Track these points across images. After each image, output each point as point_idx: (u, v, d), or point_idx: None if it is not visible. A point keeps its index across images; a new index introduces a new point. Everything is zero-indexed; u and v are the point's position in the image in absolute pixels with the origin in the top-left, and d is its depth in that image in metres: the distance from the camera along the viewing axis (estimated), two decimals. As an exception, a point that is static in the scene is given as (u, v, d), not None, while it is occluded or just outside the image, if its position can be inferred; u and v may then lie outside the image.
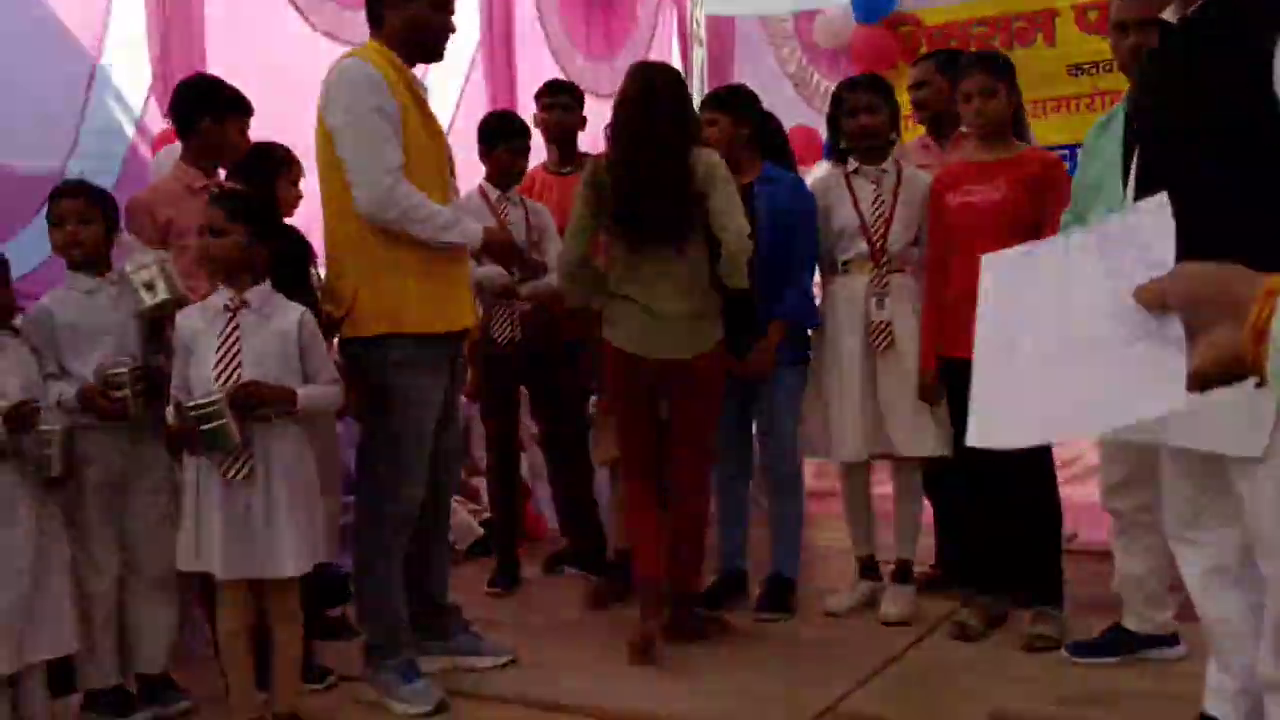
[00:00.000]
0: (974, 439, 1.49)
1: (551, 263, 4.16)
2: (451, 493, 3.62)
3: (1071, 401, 1.36)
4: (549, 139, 4.71)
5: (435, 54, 3.28)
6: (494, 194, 4.37)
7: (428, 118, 3.24)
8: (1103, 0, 6.05)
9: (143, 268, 3.10)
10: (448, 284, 3.19)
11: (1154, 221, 1.40)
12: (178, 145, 4.02)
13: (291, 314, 3.01)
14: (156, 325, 3.21)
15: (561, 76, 5.76)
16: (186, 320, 3.01)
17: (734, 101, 3.95)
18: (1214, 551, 2.43)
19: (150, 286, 3.09)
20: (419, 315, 3.14)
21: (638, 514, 3.71)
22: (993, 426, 1.50)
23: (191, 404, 2.83)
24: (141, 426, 3.17)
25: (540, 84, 4.86)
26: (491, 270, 4.09)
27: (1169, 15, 2.29)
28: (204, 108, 3.51)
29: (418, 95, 3.21)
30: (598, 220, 3.54)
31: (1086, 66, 6.20)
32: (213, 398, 2.83)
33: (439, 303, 3.17)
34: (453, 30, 3.27)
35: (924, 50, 6.26)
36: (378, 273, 3.14)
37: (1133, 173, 2.35)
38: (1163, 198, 1.40)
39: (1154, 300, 1.27)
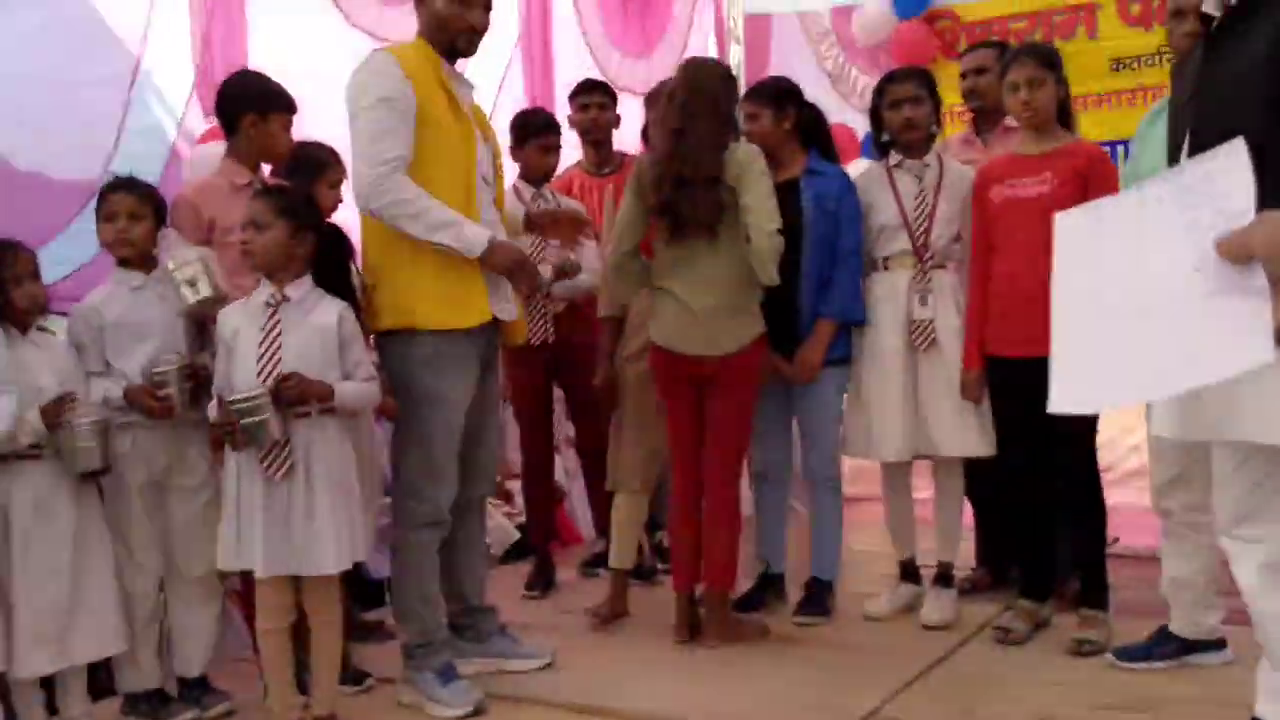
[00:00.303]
0: (1056, 404, 1.44)
1: (586, 263, 4.15)
2: (488, 495, 3.59)
3: (1154, 361, 1.31)
4: (585, 139, 4.69)
5: (461, 51, 3.24)
6: (528, 192, 4.36)
7: (459, 115, 3.20)
8: (1147, -8, 5.99)
9: (185, 264, 3.11)
10: (463, 280, 3.16)
11: (1232, 168, 1.35)
12: (212, 145, 4.04)
13: (332, 309, 3.02)
14: (202, 323, 3.22)
15: (598, 75, 5.75)
16: (228, 317, 3.02)
17: (776, 94, 3.91)
18: (1268, 548, 2.37)
19: (193, 284, 3.10)
20: (433, 312, 3.14)
21: (678, 519, 3.71)
22: (1075, 390, 1.45)
23: (234, 398, 2.84)
24: (185, 425, 3.18)
25: (578, 80, 4.84)
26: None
27: (1211, 7, 2.26)
28: (248, 104, 3.51)
29: (450, 92, 3.18)
30: (644, 214, 3.56)
31: (1129, 61, 6.11)
32: (255, 391, 2.84)
33: (453, 300, 3.15)
34: (480, 28, 3.24)
35: (964, 45, 6.21)
36: (394, 268, 3.17)
37: (1183, 153, 2.30)
38: (1239, 143, 1.35)
39: (1239, 250, 1.22)
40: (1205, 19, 2.28)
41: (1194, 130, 2.26)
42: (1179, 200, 1.38)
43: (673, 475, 3.74)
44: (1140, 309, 1.34)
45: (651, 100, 3.75)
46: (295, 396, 2.89)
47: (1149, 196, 1.41)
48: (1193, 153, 2.27)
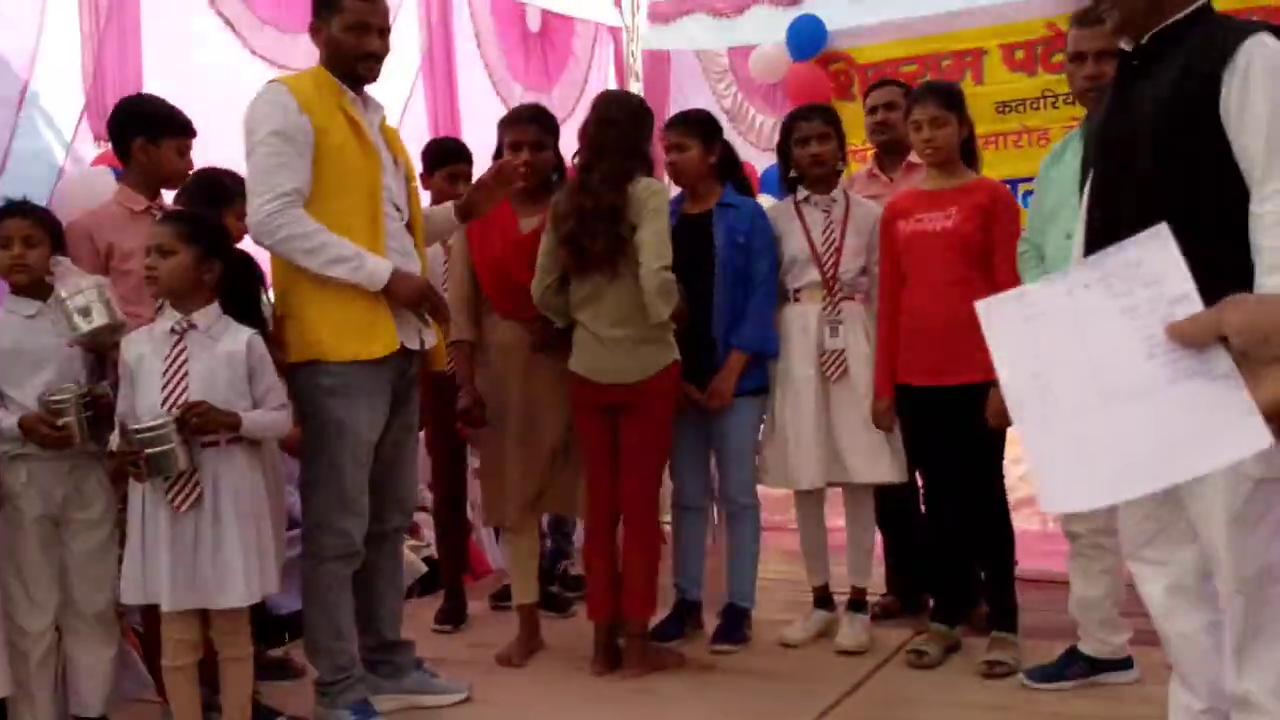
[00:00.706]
0: (1047, 505, 1.44)
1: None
2: (404, 527, 3.52)
3: (1142, 452, 1.32)
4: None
5: (362, 77, 3.18)
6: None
7: (363, 142, 3.13)
8: (1030, 40, 6.24)
9: (78, 293, 3.00)
10: (369, 309, 3.10)
11: (1158, 253, 1.38)
12: (91, 169, 3.93)
13: (240, 336, 2.95)
14: (101, 352, 3.10)
15: (501, 107, 5.74)
16: (132, 344, 2.92)
17: (706, 127, 3.95)
18: (1173, 571, 2.45)
19: (85, 312, 2.99)
20: (339, 343, 3.08)
21: (593, 549, 3.69)
22: (1062, 490, 1.44)
23: (139, 427, 2.74)
24: (84, 456, 3.06)
25: (480, 114, 4.82)
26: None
27: (1124, 44, 2.37)
28: (139, 129, 3.41)
29: (353, 119, 3.12)
30: (558, 246, 3.55)
31: (1014, 104, 6.32)
32: (160, 420, 2.75)
33: (360, 330, 3.09)
34: (379, 53, 3.17)
35: (857, 87, 6.38)
36: (301, 299, 3.11)
37: (1085, 194, 2.39)
38: (1162, 228, 1.39)
39: (1201, 335, 1.24)
40: (1121, 55, 2.39)
41: (1098, 165, 2.36)
42: (1107, 287, 1.40)
43: (588, 505, 3.72)
44: (1101, 397, 1.36)
45: (580, 133, 3.75)
46: (201, 425, 2.80)
47: (1075, 283, 1.43)
48: (1096, 185, 2.37)
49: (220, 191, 3.51)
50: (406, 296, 3.11)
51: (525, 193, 3.69)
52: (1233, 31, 2.21)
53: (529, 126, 3.81)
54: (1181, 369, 1.30)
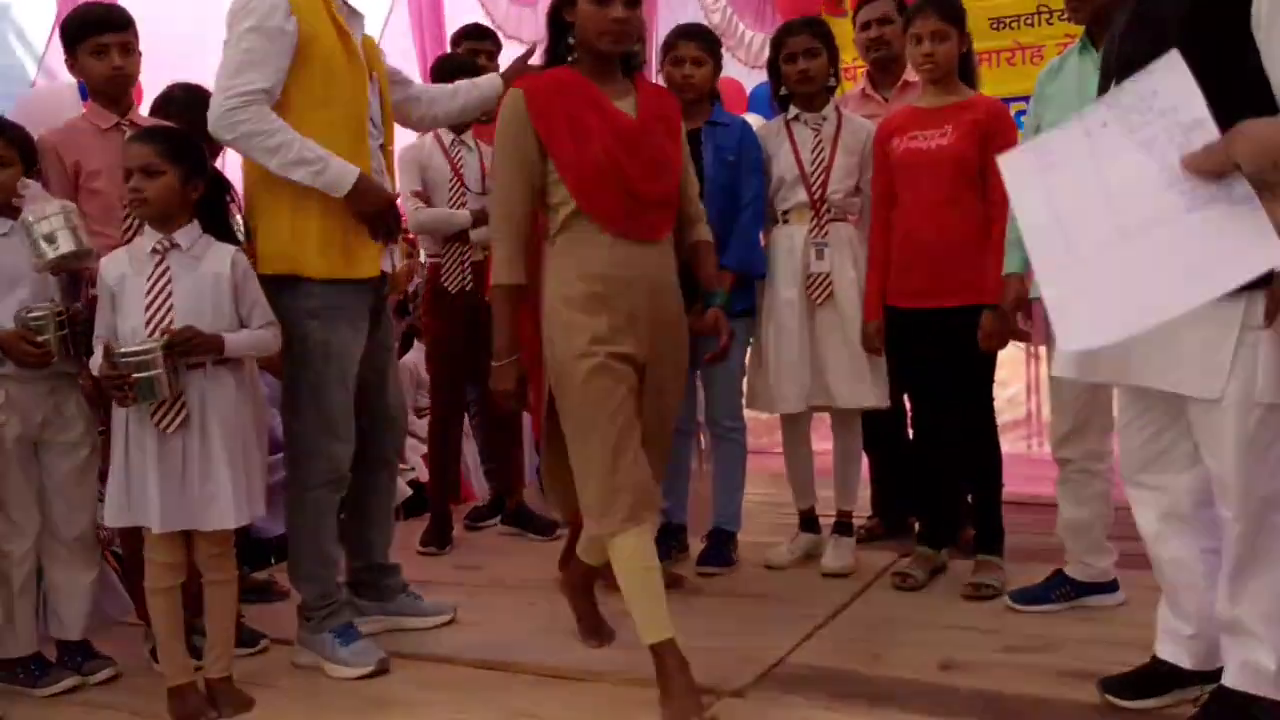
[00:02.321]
0: (1066, 343, 1.42)
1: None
2: (397, 452, 3.48)
3: (1158, 281, 1.30)
4: None
5: None
6: (447, 138, 4.26)
7: (351, 54, 3.03)
8: (1028, -45, 6.11)
9: (44, 218, 2.90)
10: (350, 231, 3.01)
11: (1172, 81, 1.34)
12: (57, 84, 3.82)
13: (224, 254, 2.88)
14: (74, 273, 3.03)
15: (485, 20, 5.62)
16: (112, 264, 2.85)
17: (716, 43, 3.89)
18: (1169, 497, 2.46)
19: (51, 239, 2.90)
20: (320, 260, 2.99)
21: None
22: (1082, 327, 1.42)
23: (124, 351, 2.69)
24: (62, 377, 3.02)
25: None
26: (453, 214, 3.98)
27: None
28: (69, 42, 3.26)
29: (341, 28, 3.02)
30: None
31: (1008, 20, 6.23)
32: (148, 345, 2.69)
33: (343, 248, 3.01)
34: None
35: (847, 2, 6.24)
36: (276, 210, 3.00)
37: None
38: (1173, 54, 1.34)
39: (1216, 164, 1.21)
40: None
41: (1120, 75, 2.29)
42: (1124, 121, 1.37)
43: None
44: (1120, 233, 1.33)
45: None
46: (187, 350, 2.75)
47: (1092, 124, 1.39)
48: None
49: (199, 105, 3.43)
50: (369, 205, 2.97)
51: (604, 74, 2.80)
52: None
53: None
54: (1200, 197, 1.28)
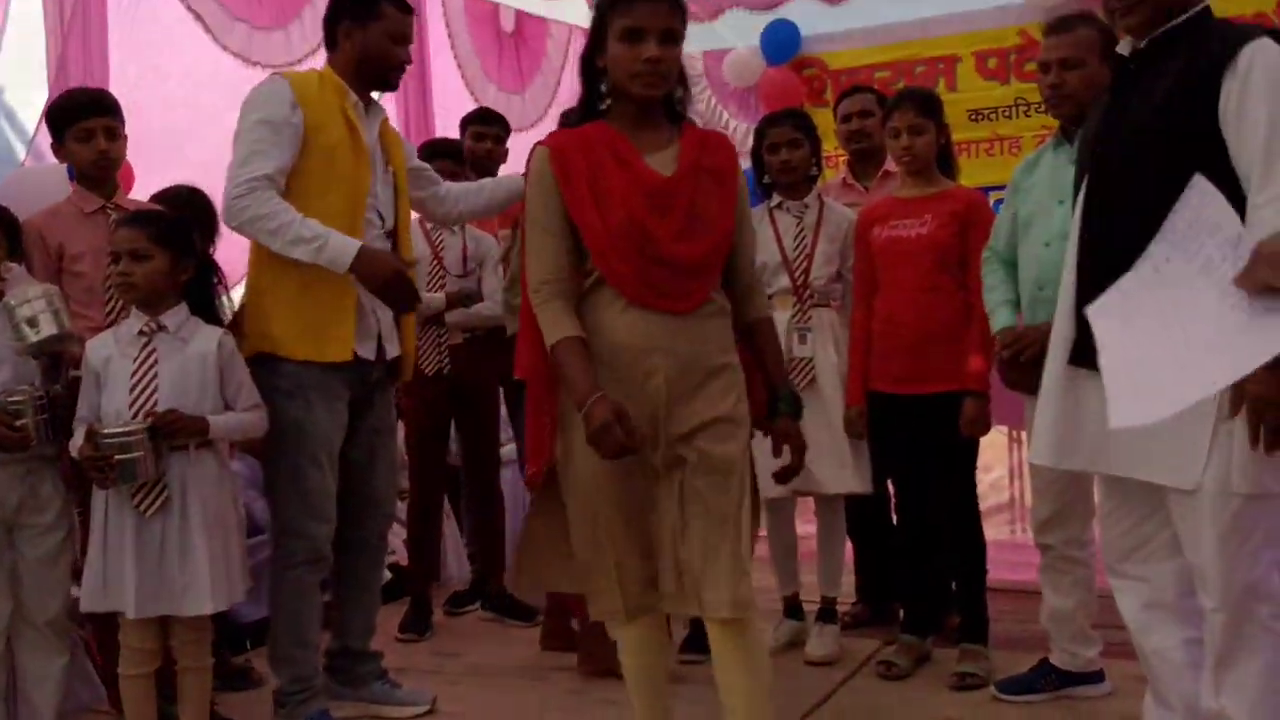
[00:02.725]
0: (1118, 420, 1.46)
1: (487, 290, 4.07)
2: (380, 536, 3.44)
3: (1205, 360, 1.36)
4: (475, 170, 4.61)
5: (386, 84, 3.21)
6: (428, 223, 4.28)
7: (358, 149, 3.09)
8: (1002, 48, 6.26)
9: (26, 301, 2.91)
10: (326, 310, 3.04)
11: (1207, 203, 1.41)
12: (46, 166, 3.85)
13: (211, 336, 2.91)
14: (55, 355, 3.03)
15: (473, 105, 5.70)
16: (98, 347, 2.86)
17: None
18: (1152, 586, 2.44)
19: (33, 323, 2.90)
20: (292, 341, 3.04)
21: None
22: (1133, 403, 1.48)
23: (107, 432, 2.68)
24: (39, 459, 2.99)
25: (454, 113, 4.78)
26: (430, 297, 4.00)
27: (1122, 49, 2.35)
28: (50, 127, 3.32)
29: (351, 123, 3.08)
30: None
31: (986, 112, 6.35)
32: (132, 427, 2.70)
33: (314, 330, 3.04)
34: (408, 62, 3.20)
35: (830, 92, 6.37)
36: (260, 291, 3.08)
37: (1080, 200, 2.38)
38: (1198, 178, 1.38)
39: (1253, 285, 1.28)
40: (1117, 59, 2.37)
41: (1095, 169, 2.34)
42: (1183, 251, 1.45)
43: None
44: (1182, 338, 1.41)
45: None
46: (172, 433, 2.75)
47: (1158, 259, 1.48)
48: (1092, 190, 2.35)
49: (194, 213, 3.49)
50: (378, 276, 2.95)
51: (642, 123, 2.50)
52: (1232, 35, 2.20)
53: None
54: (1254, 310, 1.35)
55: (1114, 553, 2.49)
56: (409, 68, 3.30)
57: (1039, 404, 2.47)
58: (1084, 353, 2.30)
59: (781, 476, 2.62)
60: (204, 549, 2.77)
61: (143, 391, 2.78)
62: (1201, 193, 1.43)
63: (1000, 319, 3.23)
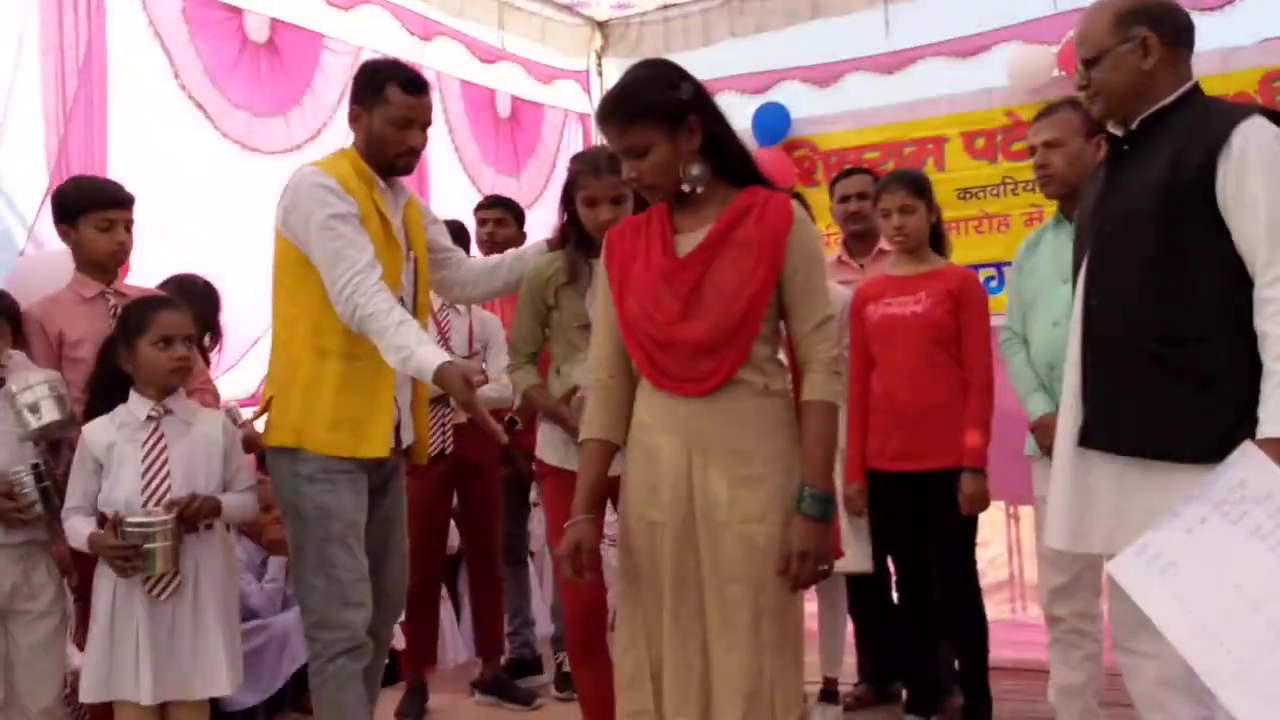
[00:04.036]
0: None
1: (493, 371, 4.07)
2: (387, 625, 3.36)
3: None
4: (484, 252, 4.65)
5: (396, 170, 3.08)
6: (436, 301, 4.29)
7: (389, 239, 3.03)
8: (990, 128, 6.34)
9: (28, 388, 2.94)
10: (362, 408, 2.98)
11: (1255, 470, 1.40)
12: (52, 253, 3.88)
13: (214, 419, 2.95)
14: (55, 441, 3.04)
15: (470, 189, 5.77)
16: (98, 433, 2.86)
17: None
18: (1163, 662, 2.42)
19: (35, 409, 2.93)
20: (322, 436, 2.94)
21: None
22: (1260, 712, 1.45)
23: (134, 521, 2.70)
24: (34, 544, 2.98)
25: (451, 195, 4.85)
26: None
27: (1114, 128, 2.41)
28: (58, 214, 3.34)
29: (382, 213, 3.02)
30: None
31: (975, 190, 6.41)
32: (160, 517, 2.71)
33: (350, 427, 2.96)
34: (419, 147, 3.07)
35: (821, 173, 6.45)
36: (292, 383, 2.99)
37: (1081, 279, 2.40)
38: (1248, 445, 1.38)
39: None
40: (1111, 139, 2.42)
41: (1094, 246, 2.38)
42: (1221, 514, 1.44)
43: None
44: (1275, 631, 1.39)
45: None
46: (195, 517, 2.79)
47: (1190, 520, 1.47)
48: (1092, 267, 2.38)
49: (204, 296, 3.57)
50: (455, 390, 2.83)
51: (689, 200, 2.43)
52: (1225, 114, 2.25)
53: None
54: None
55: (1125, 627, 2.49)
56: None
57: (1051, 487, 2.47)
58: (1092, 435, 2.34)
59: (798, 583, 2.30)
60: (219, 629, 2.78)
61: (155, 476, 2.80)
62: (1248, 458, 1.43)
63: (1035, 407, 3.19)
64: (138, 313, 2.95)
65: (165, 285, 3.58)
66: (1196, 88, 2.34)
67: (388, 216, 3.03)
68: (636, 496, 2.39)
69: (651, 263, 2.39)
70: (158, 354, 2.88)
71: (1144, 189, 2.28)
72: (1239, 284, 2.19)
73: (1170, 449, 2.20)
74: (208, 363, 3.29)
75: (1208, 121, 2.25)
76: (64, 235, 3.37)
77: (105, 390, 2.94)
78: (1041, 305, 3.19)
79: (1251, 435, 2.14)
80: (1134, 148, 2.35)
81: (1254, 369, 2.16)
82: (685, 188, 2.35)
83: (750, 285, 2.31)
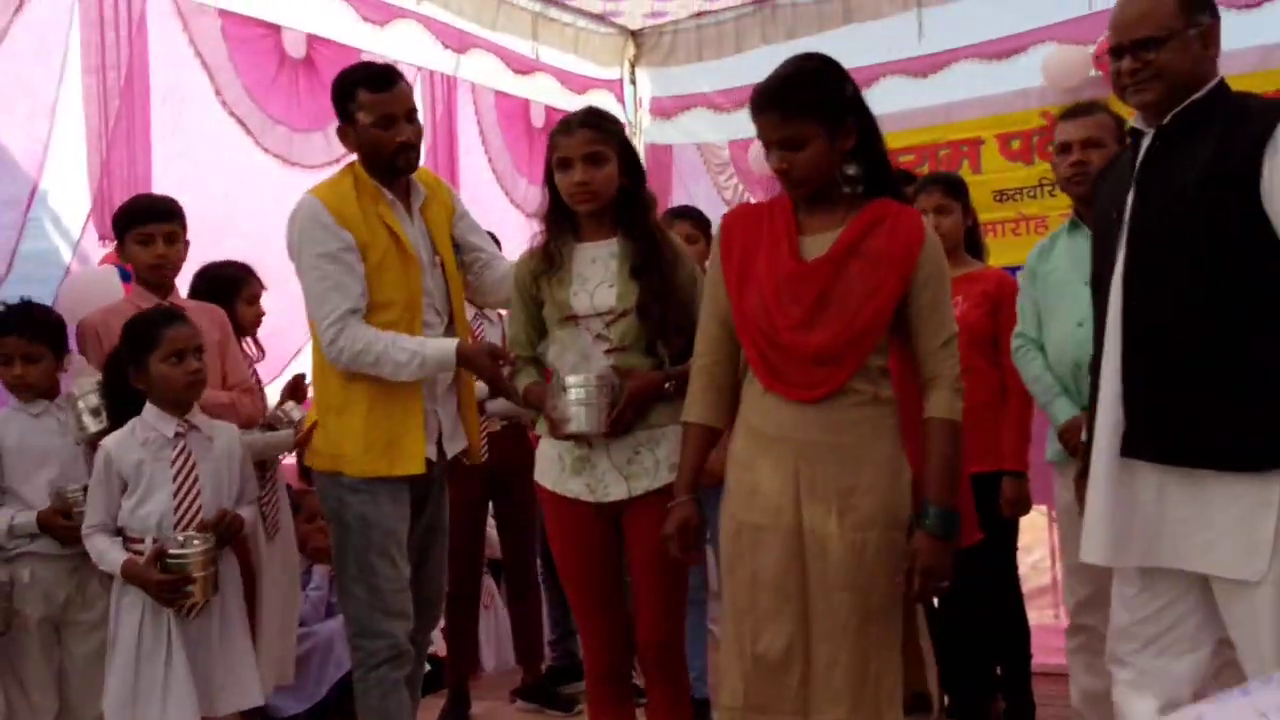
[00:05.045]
0: None
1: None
2: (424, 633, 3.36)
3: None
4: None
5: (397, 170, 3.03)
6: (469, 310, 4.31)
7: (403, 253, 3.00)
8: (1025, 129, 6.31)
9: (90, 393, 3.02)
10: (393, 427, 2.99)
11: None
12: (99, 269, 3.95)
13: (230, 432, 3.01)
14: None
15: (503, 199, 5.82)
16: (124, 450, 2.86)
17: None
18: (1170, 684, 2.31)
19: (96, 413, 3.02)
20: (361, 459, 2.97)
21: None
22: None
23: (177, 554, 2.74)
24: (85, 556, 3.02)
25: (484, 206, 4.87)
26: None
27: (1136, 123, 2.36)
28: (116, 231, 3.44)
29: (391, 228, 3.00)
30: None
31: (1011, 193, 6.38)
32: (202, 547, 2.76)
33: (383, 447, 2.98)
34: (411, 140, 3.01)
35: (857, 177, 6.44)
36: (327, 410, 3.04)
37: (1117, 278, 2.32)
38: None
39: None
40: (1134, 134, 2.37)
41: (1132, 250, 2.30)
42: None
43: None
44: None
45: None
46: (232, 536, 2.87)
47: (1267, 707, 1.42)
48: (1131, 268, 2.29)
49: (228, 282, 3.62)
50: (481, 366, 2.96)
51: (818, 201, 2.42)
52: (1264, 109, 2.21)
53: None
54: None
55: (1132, 641, 2.37)
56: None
57: (1089, 499, 2.37)
58: (1136, 443, 2.26)
59: (914, 597, 2.35)
60: (243, 640, 2.83)
61: (187, 496, 2.83)
62: None
63: (1060, 411, 3.14)
64: (144, 329, 2.92)
65: (198, 280, 3.65)
66: (1223, 82, 2.29)
67: (398, 230, 3.01)
68: (739, 498, 2.40)
69: (778, 262, 2.36)
70: (171, 369, 2.86)
71: (1186, 186, 2.22)
72: None
73: (1218, 457, 2.16)
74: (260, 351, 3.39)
75: (1247, 116, 2.20)
76: (119, 254, 3.48)
77: (119, 407, 2.95)
78: (1063, 307, 3.14)
79: None
80: (1166, 144, 2.29)
81: None
82: (845, 189, 2.36)
83: (877, 298, 2.31)
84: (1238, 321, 2.18)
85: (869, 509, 2.29)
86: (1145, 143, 2.32)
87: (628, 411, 2.64)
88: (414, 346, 2.91)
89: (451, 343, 2.96)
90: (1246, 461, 2.15)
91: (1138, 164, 2.33)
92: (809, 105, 2.31)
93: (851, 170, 2.35)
